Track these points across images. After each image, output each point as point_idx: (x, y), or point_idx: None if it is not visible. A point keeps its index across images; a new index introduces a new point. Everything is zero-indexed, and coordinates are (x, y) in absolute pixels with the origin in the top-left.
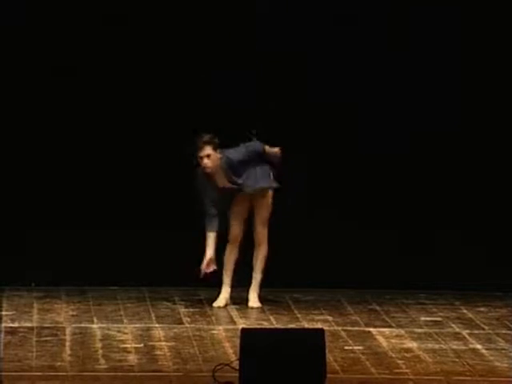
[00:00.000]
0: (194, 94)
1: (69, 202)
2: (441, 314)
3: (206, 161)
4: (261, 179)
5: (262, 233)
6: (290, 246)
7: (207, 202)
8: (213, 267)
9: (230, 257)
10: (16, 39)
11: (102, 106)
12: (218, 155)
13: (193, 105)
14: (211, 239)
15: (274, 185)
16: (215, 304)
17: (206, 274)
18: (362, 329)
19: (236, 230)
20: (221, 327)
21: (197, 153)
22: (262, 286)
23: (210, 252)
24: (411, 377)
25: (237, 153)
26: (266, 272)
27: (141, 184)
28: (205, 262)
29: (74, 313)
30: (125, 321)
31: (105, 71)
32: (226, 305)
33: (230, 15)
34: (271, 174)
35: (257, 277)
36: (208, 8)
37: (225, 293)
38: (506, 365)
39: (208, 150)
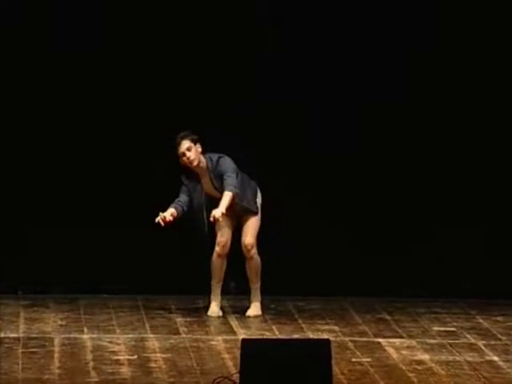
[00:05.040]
0: (194, 94)
1: (57, 201)
2: (455, 323)
3: (188, 154)
4: (249, 196)
5: (250, 244)
6: (293, 251)
7: (184, 197)
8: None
9: (220, 268)
10: (15, 38)
11: (101, 106)
12: (200, 149)
13: (192, 106)
14: (169, 210)
15: (256, 209)
16: (210, 313)
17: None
18: (370, 339)
19: (223, 239)
20: (220, 338)
21: (176, 152)
22: (264, 293)
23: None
24: None
25: (225, 158)
26: (267, 279)
27: (135, 186)
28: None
29: (63, 322)
30: (117, 331)
31: (105, 71)
32: (221, 313)
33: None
34: (258, 190)
35: (255, 287)
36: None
37: (216, 301)
38: None
39: (187, 143)
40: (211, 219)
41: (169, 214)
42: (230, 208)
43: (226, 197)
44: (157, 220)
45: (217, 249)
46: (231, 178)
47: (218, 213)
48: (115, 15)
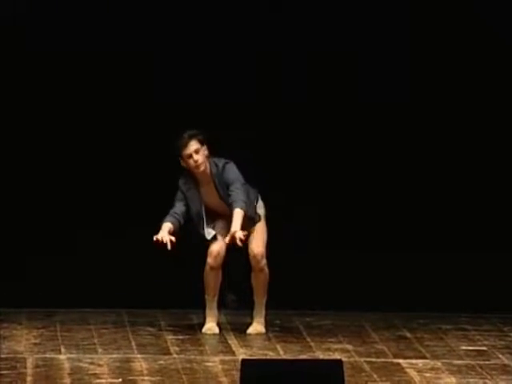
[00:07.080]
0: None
1: (30, 209)
2: (486, 342)
3: (196, 157)
4: (251, 205)
5: (260, 254)
6: (301, 261)
7: (181, 206)
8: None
9: (214, 281)
10: (15, 38)
11: (119, 115)
12: (206, 152)
13: (193, 109)
14: (166, 227)
15: (258, 218)
16: (207, 330)
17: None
18: (389, 360)
19: (215, 249)
20: (216, 358)
21: (182, 152)
22: (267, 307)
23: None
24: None
25: (231, 165)
26: (271, 292)
27: (122, 191)
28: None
29: (37, 340)
30: (99, 350)
31: (109, 73)
32: (217, 330)
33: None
34: (260, 199)
35: (260, 301)
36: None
37: (212, 317)
38: None
39: (195, 144)
40: (227, 240)
41: (166, 233)
42: (226, 216)
43: (239, 215)
44: (155, 240)
45: (209, 260)
46: (240, 191)
47: (240, 234)
48: None
